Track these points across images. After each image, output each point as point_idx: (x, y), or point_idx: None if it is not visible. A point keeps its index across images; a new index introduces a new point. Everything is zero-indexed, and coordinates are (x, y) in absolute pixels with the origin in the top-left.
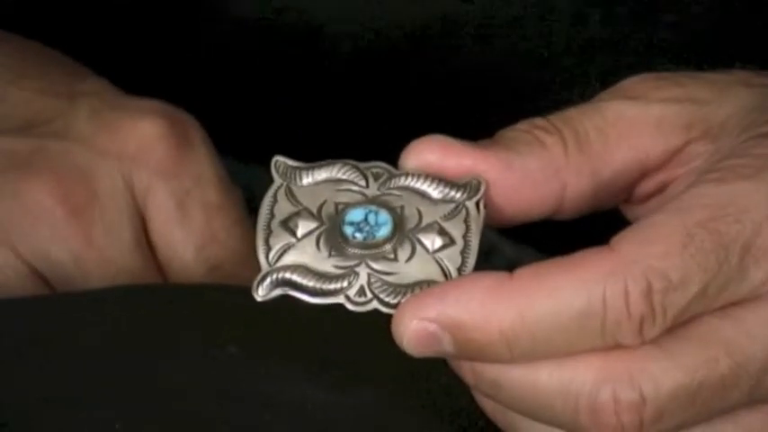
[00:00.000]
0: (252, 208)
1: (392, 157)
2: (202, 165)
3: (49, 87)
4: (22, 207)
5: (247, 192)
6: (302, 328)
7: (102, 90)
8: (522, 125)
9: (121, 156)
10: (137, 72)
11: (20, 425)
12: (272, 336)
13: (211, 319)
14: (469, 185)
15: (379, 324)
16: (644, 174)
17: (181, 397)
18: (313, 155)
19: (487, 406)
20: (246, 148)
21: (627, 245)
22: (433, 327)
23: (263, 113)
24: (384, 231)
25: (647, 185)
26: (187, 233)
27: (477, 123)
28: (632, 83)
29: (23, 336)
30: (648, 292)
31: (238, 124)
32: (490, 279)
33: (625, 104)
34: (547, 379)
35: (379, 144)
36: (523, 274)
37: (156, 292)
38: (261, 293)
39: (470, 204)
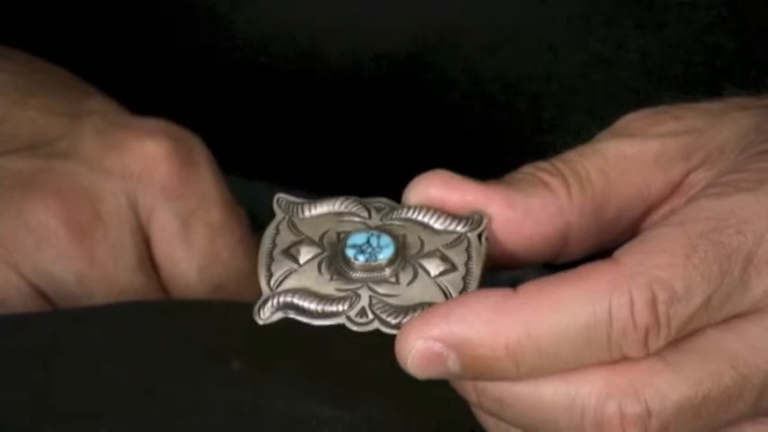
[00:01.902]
0: (255, 224)
1: (393, 175)
2: (206, 185)
3: (54, 106)
4: (26, 227)
5: (251, 209)
6: (306, 343)
7: (106, 109)
8: (527, 168)
9: (126, 176)
10: (140, 87)
11: None
12: (276, 351)
13: (215, 335)
14: (472, 219)
15: (382, 339)
16: (648, 209)
17: (184, 412)
18: (315, 171)
19: (490, 424)
20: (250, 164)
21: (630, 256)
22: (438, 346)
23: (267, 130)
24: (386, 253)
25: (652, 219)
26: (190, 253)
27: (476, 138)
28: (629, 120)
29: (26, 351)
30: (653, 303)
31: (242, 141)
32: (495, 296)
33: (623, 143)
34: (551, 394)
35: (378, 159)
36: (528, 289)
37: (160, 308)
38: (263, 317)
39: (472, 236)
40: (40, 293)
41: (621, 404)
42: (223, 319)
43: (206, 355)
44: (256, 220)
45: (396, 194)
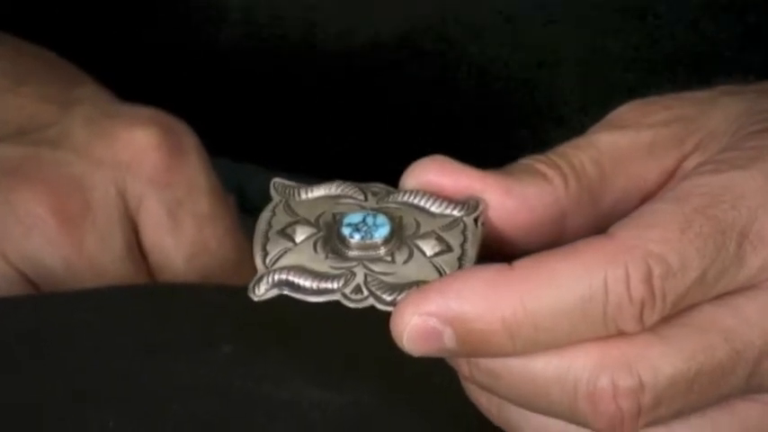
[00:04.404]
0: (245, 208)
1: (385, 160)
2: (195, 174)
3: (44, 94)
4: (14, 215)
5: (240, 192)
6: (297, 327)
7: (96, 97)
8: (524, 159)
9: (115, 164)
10: (132, 72)
11: (12, 423)
12: (267, 335)
13: (206, 319)
14: (468, 204)
15: (374, 323)
16: (644, 198)
17: (175, 396)
18: (306, 154)
19: (482, 400)
20: (240, 147)
21: (626, 231)
22: (434, 321)
23: (257, 112)
24: (382, 232)
25: None
26: (178, 242)
27: (474, 122)
28: (621, 112)
29: (15, 335)
30: (649, 277)
31: (233, 124)
32: (491, 270)
33: (616, 134)
34: (544, 366)
35: (370, 144)
36: (524, 263)
37: (149, 292)
38: (257, 293)
39: (469, 220)
40: (28, 281)
41: (614, 377)
42: (213, 302)
43: (196, 338)
44: (245, 203)
45: (387, 178)
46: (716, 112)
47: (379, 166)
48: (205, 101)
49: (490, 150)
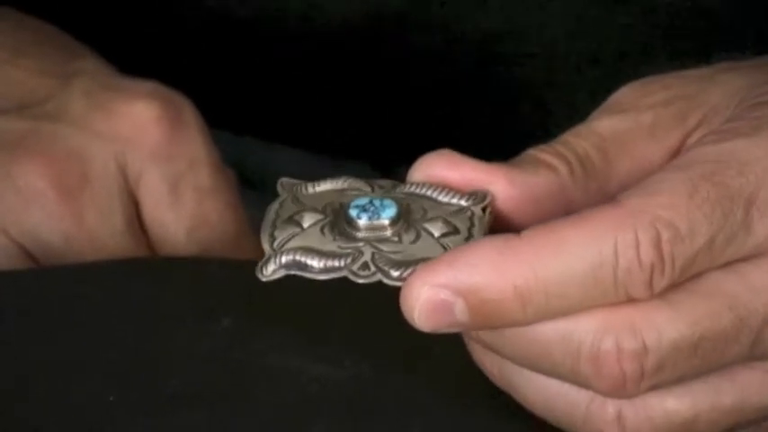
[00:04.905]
0: (244, 179)
1: (385, 127)
2: (196, 148)
3: (43, 67)
4: (13, 189)
5: (240, 165)
6: (298, 301)
7: (96, 70)
8: (529, 151)
9: (115, 138)
10: (129, 43)
11: (12, 397)
12: (267, 309)
13: (206, 292)
14: (475, 195)
15: (375, 297)
16: None
17: (175, 369)
18: (306, 127)
19: (485, 361)
20: (241, 120)
21: (633, 198)
22: (444, 293)
23: (256, 85)
24: (389, 213)
25: None
26: (179, 216)
27: (476, 94)
28: (620, 96)
29: (16, 308)
30: (658, 242)
31: (233, 97)
32: (499, 240)
33: (617, 119)
34: (549, 327)
35: (369, 117)
36: (532, 232)
37: (151, 265)
38: (265, 274)
39: (476, 209)
40: (28, 255)
41: (618, 339)
42: (213, 276)
43: (196, 311)
44: (245, 177)
45: (388, 150)
46: (716, 88)
47: (380, 138)
48: (205, 74)
49: (492, 124)
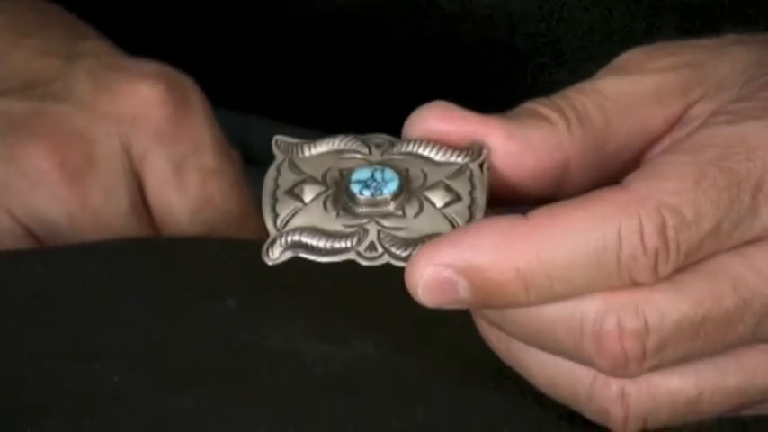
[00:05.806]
0: (248, 158)
1: (390, 110)
2: (200, 129)
3: (48, 48)
4: (18, 170)
5: (245, 144)
6: (302, 281)
7: (101, 51)
8: (527, 104)
9: (119, 119)
10: (132, 23)
11: (16, 377)
12: (271, 289)
13: (210, 272)
14: (472, 149)
15: (380, 277)
16: (648, 144)
17: (179, 349)
18: (311, 105)
19: (491, 337)
20: (246, 99)
21: (639, 182)
22: (448, 272)
23: (264, 65)
24: (391, 187)
25: (653, 153)
26: (183, 197)
27: (475, 74)
28: (626, 57)
29: (20, 289)
30: (662, 228)
31: (238, 76)
32: (505, 221)
33: (622, 79)
34: (553, 306)
35: (375, 95)
36: (538, 214)
37: (156, 245)
38: (272, 257)
39: (474, 166)
40: (32, 235)
41: (620, 318)
42: (217, 256)
43: (200, 291)
44: (250, 156)
45: (391, 127)
46: (725, 60)
47: (384, 115)
48: (208, 53)
49: (496, 100)
